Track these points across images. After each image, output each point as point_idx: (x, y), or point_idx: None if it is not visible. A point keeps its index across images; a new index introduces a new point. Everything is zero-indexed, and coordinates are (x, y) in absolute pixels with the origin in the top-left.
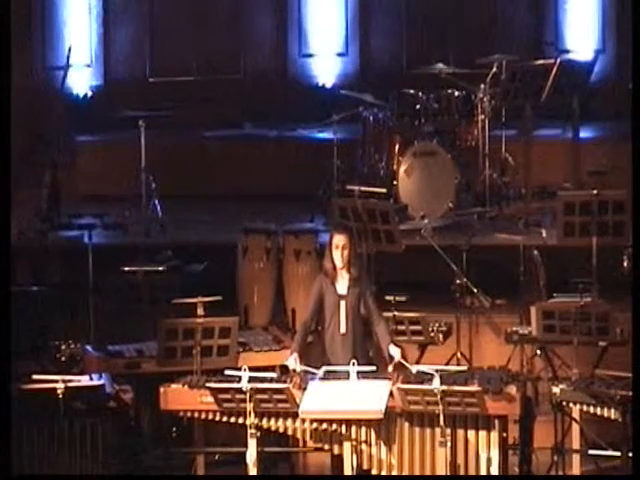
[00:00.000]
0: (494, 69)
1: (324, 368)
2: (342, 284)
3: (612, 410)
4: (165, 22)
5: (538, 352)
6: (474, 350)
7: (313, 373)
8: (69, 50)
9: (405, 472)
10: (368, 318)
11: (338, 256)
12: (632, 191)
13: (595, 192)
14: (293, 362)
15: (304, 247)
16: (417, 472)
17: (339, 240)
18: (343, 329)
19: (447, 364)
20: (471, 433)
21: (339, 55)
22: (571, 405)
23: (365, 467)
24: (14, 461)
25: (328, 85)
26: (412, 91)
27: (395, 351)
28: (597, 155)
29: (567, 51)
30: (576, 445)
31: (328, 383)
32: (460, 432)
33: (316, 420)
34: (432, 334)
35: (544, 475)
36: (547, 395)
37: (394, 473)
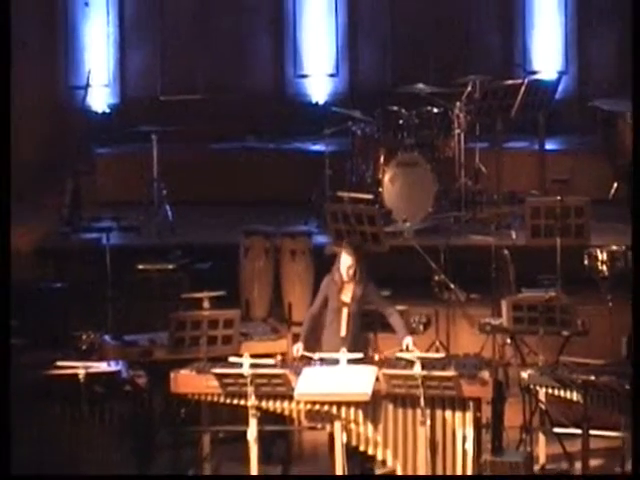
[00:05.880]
0: (469, 88)
1: (318, 354)
2: (346, 293)
3: (574, 393)
4: (174, 47)
5: (508, 341)
6: (451, 339)
7: (311, 359)
8: (89, 72)
9: (389, 448)
10: (382, 313)
11: (344, 271)
12: (632, 192)
13: (559, 198)
14: (297, 349)
15: (299, 247)
16: (400, 448)
17: (345, 259)
18: (343, 333)
19: (427, 352)
20: (448, 413)
21: (331, 76)
22: (538, 388)
23: (354, 444)
24: (37, 441)
25: (321, 103)
26: (396, 108)
27: (408, 341)
28: (561, 165)
29: (534, 72)
30: (542, 424)
31: (321, 368)
32: (438, 412)
33: (310, 402)
34: (413, 325)
35: (547, 475)
36: (516, 379)
37: (379, 449)
